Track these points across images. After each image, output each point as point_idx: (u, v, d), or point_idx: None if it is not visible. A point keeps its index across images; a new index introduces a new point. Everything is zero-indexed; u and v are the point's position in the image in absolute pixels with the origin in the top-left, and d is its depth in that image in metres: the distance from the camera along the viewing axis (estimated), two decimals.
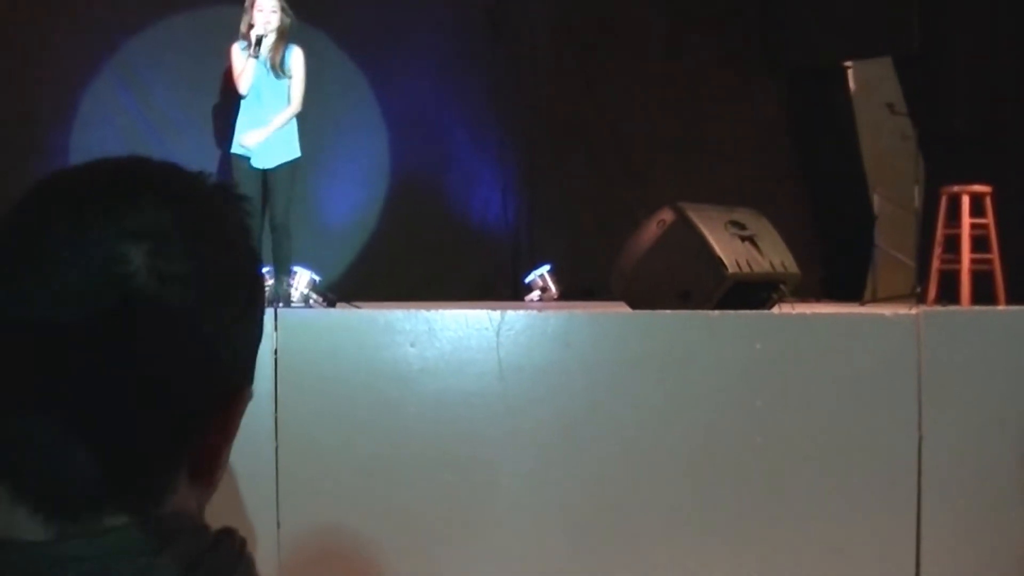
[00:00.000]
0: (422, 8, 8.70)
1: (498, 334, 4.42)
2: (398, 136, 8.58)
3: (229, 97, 7.25)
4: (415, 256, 8.46)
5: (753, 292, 5.24)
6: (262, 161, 6.78)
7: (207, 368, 0.94)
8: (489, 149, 8.74)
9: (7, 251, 0.92)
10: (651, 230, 5.16)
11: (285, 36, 6.80)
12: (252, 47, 6.64)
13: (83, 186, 0.97)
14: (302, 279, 6.81)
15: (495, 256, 8.63)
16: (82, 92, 8.35)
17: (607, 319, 4.68)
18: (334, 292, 7.29)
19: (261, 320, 1.04)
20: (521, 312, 4.50)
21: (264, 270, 6.32)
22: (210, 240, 0.97)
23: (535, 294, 8.37)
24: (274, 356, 4.18)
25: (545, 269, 8.41)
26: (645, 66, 8.91)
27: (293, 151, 6.86)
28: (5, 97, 8.21)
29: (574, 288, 8.35)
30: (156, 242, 0.91)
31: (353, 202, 8.40)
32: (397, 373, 4.28)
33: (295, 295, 6.55)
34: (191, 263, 0.92)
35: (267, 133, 6.75)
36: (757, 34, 9.32)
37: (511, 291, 8.51)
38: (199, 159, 8.13)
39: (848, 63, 9.36)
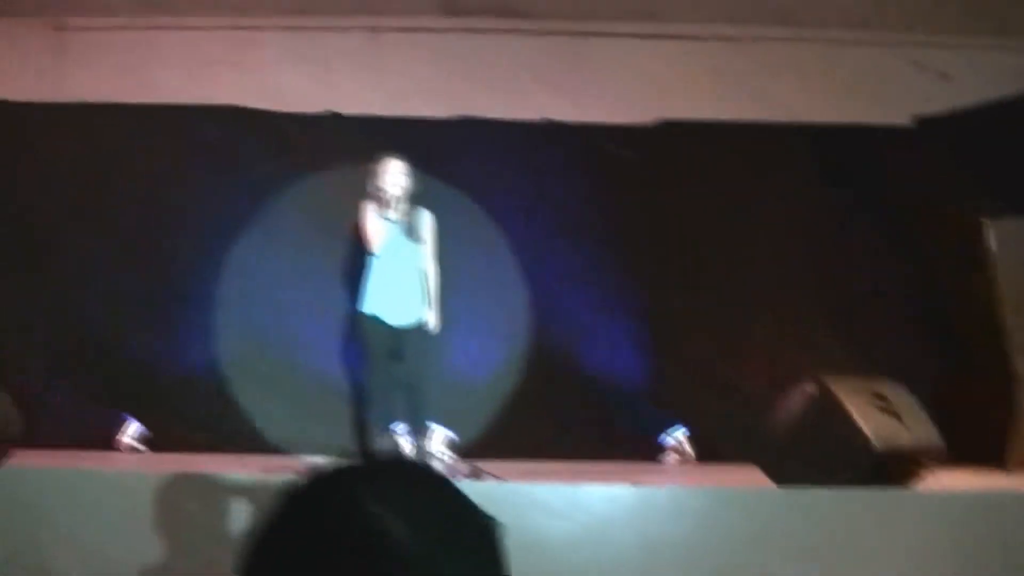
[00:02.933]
0: (557, 170, 8.91)
1: (640, 509, 4.40)
2: (534, 294, 8.70)
3: (358, 254, 7.35)
4: (549, 413, 8.51)
5: (898, 467, 5.15)
6: (396, 320, 6.84)
7: None
8: (624, 310, 8.76)
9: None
10: (794, 403, 5.13)
11: (415, 202, 6.97)
12: (385, 208, 6.81)
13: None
14: (438, 437, 6.86)
15: (629, 414, 8.57)
16: (223, 245, 8.69)
17: (750, 495, 4.64)
18: (470, 450, 7.35)
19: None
20: (664, 488, 4.48)
21: (398, 426, 6.43)
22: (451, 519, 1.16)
23: (671, 457, 8.31)
24: None
25: (681, 432, 8.35)
26: (777, 227, 8.90)
27: (423, 311, 6.91)
28: (153, 249, 8.58)
29: (708, 450, 8.27)
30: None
31: (490, 359, 8.47)
32: (540, 547, 4.27)
33: (433, 453, 6.53)
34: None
35: (436, 308, 6.89)
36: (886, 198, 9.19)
37: (646, 450, 8.43)
38: (329, 312, 8.42)
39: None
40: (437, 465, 6.30)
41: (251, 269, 8.70)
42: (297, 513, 1.12)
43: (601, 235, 8.84)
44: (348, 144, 8.63)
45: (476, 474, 5.47)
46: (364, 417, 7.04)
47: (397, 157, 6.96)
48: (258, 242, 8.73)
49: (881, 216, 8.88)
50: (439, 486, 1.21)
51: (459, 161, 8.49)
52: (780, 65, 9.29)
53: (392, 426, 6.73)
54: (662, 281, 8.83)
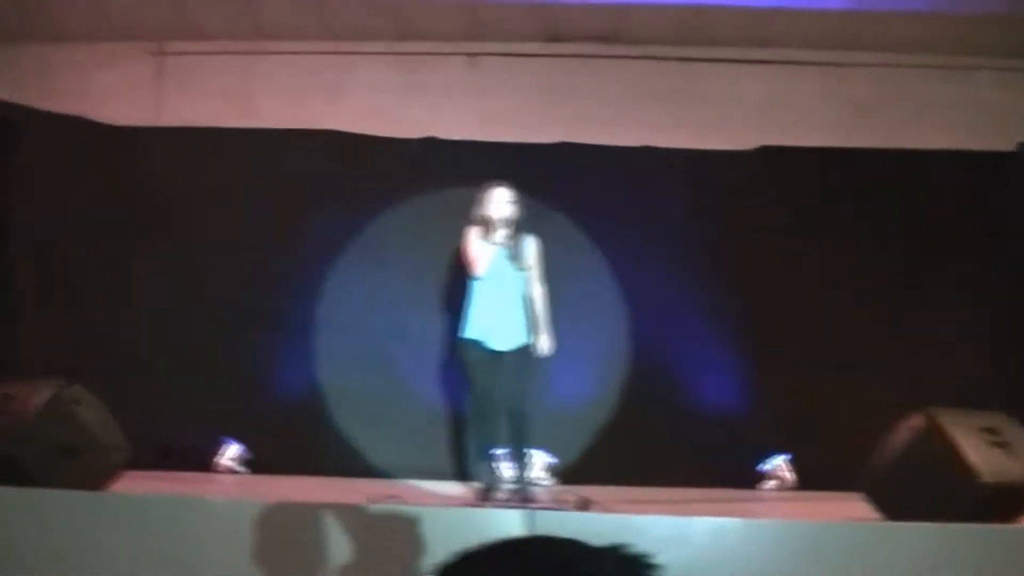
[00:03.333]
0: (656, 195, 8.92)
1: (748, 543, 4.40)
2: (634, 319, 8.71)
3: (461, 279, 7.25)
4: (648, 439, 8.50)
5: (1008, 501, 5.08)
6: (500, 344, 6.75)
7: None
8: (724, 334, 8.72)
9: None
10: (902, 435, 5.09)
11: (520, 228, 6.88)
12: (490, 233, 6.76)
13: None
14: (538, 463, 6.86)
15: (729, 439, 8.51)
16: (325, 270, 8.79)
17: (859, 530, 4.61)
18: (569, 475, 7.34)
19: None
20: (773, 521, 4.47)
21: (500, 452, 6.46)
22: None
23: (771, 483, 8.26)
24: None
25: (782, 459, 8.29)
26: (884, 253, 8.82)
27: (526, 335, 6.81)
28: (256, 273, 8.71)
29: (810, 477, 8.20)
30: None
31: (589, 385, 8.48)
32: None
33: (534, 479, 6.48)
34: None
35: (547, 333, 6.81)
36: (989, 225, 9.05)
37: (744, 476, 8.38)
38: (430, 336, 8.47)
39: None
40: (538, 491, 6.29)
41: (351, 293, 8.78)
42: None
43: (702, 260, 8.84)
44: (447, 169, 8.71)
45: (584, 505, 5.47)
46: (465, 443, 7.01)
47: (503, 184, 6.90)
48: (359, 267, 8.82)
49: (989, 242, 8.76)
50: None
51: (558, 186, 8.52)
52: (884, 91, 9.24)
53: (493, 451, 6.70)
54: (765, 307, 8.77)
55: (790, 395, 8.55)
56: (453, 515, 4.62)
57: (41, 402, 5.35)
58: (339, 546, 4.53)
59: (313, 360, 8.74)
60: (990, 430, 5.22)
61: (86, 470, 5.38)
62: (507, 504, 5.54)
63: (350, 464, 8.29)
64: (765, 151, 9.03)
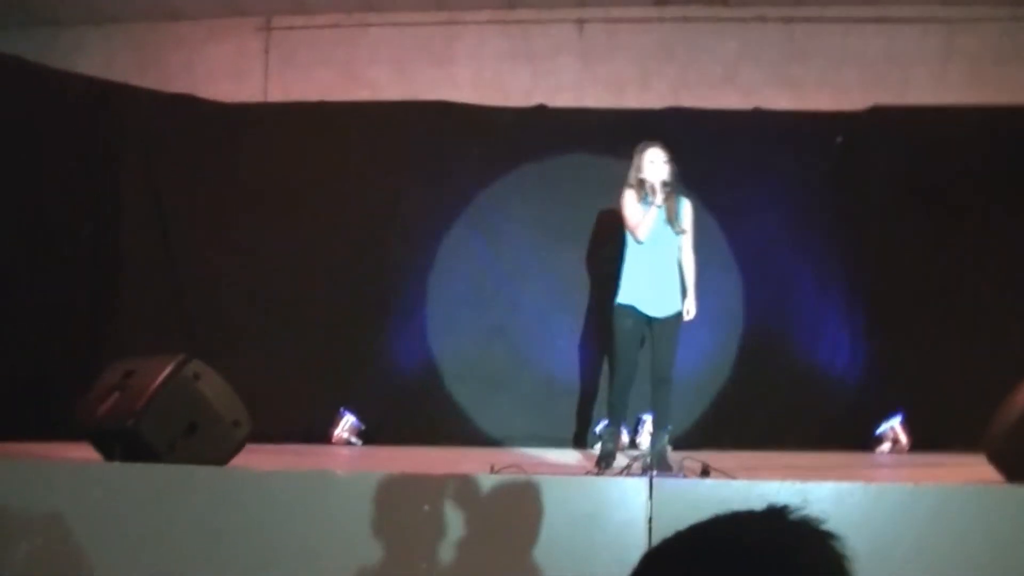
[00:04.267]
0: (768, 157, 8.86)
1: (871, 507, 4.37)
2: (748, 283, 8.72)
3: (612, 245, 7.06)
4: (763, 402, 8.52)
5: None
6: (655, 310, 6.52)
7: None
8: (837, 296, 8.68)
9: None
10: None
11: (676, 189, 6.62)
12: (654, 195, 6.42)
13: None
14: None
15: (844, 403, 8.48)
16: (437, 242, 8.82)
17: (982, 492, 4.54)
18: (686, 441, 7.31)
19: None
20: (896, 485, 4.44)
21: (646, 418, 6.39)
22: None
23: (886, 445, 8.20)
24: (648, 525, 4.24)
25: (897, 420, 8.22)
26: (989, 219, 8.68)
27: (679, 301, 6.58)
28: (367, 246, 8.78)
29: (925, 439, 8.12)
30: None
31: (707, 349, 8.44)
32: None
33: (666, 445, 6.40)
34: None
35: (693, 298, 6.60)
36: None
37: (860, 439, 8.32)
38: (549, 303, 8.47)
39: None
40: (664, 458, 6.24)
41: (465, 264, 8.88)
42: None
43: (815, 224, 8.79)
44: (557, 136, 8.74)
45: (705, 472, 5.47)
46: (613, 407, 6.76)
47: (656, 144, 6.62)
48: (471, 238, 8.91)
49: None
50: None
51: (671, 151, 8.50)
52: (999, 47, 9.04)
53: (640, 417, 6.45)
54: (879, 270, 8.72)
55: (906, 357, 8.49)
56: (574, 484, 4.65)
57: (162, 378, 5.41)
58: (461, 516, 4.57)
59: (428, 333, 8.85)
60: None
61: (209, 445, 5.43)
62: (629, 472, 5.55)
63: (466, 434, 8.41)
64: (876, 111, 8.92)
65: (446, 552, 4.51)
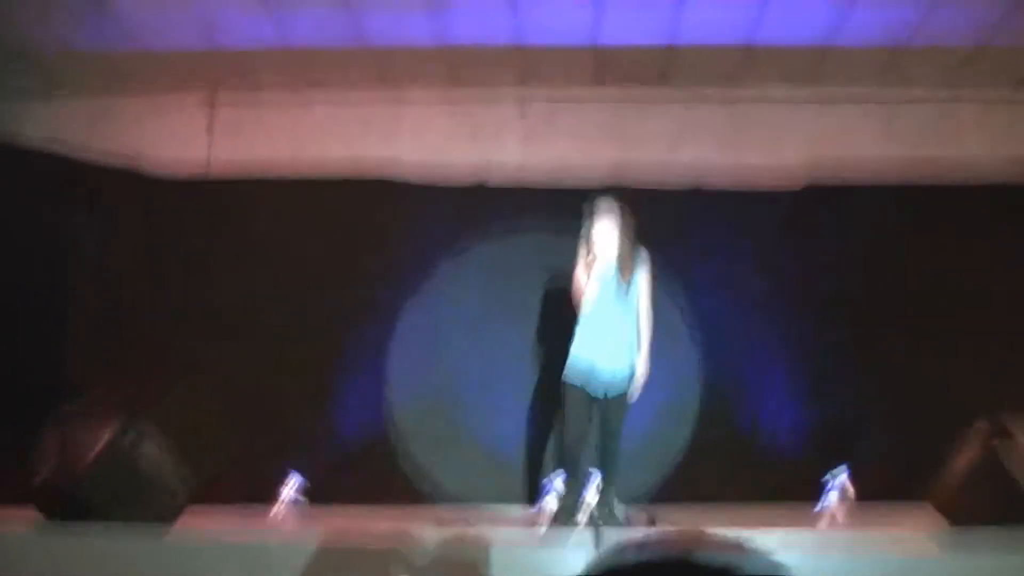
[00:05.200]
0: (708, 232, 9.04)
1: (816, 555, 4.41)
2: (699, 352, 8.81)
3: (563, 321, 6.97)
4: (714, 459, 8.58)
5: None
6: (602, 392, 6.45)
7: None
8: (783, 359, 8.83)
9: None
10: (968, 444, 5.08)
11: (632, 242, 6.55)
12: (596, 261, 6.37)
13: None
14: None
15: (792, 458, 8.57)
16: (384, 310, 8.97)
17: (926, 540, 4.60)
18: (627, 496, 7.32)
19: None
20: (837, 531, 4.49)
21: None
22: None
23: (833, 497, 8.24)
24: None
25: (843, 472, 8.28)
26: (929, 287, 8.83)
27: (628, 380, 6.52)
28: (313, 313, 8.80)
29: (871, 490, 8.17)
30: None
31: (657, 412, 8.48)
32: None
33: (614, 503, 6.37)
34: None
35: (645, 364, 6.52)
36: None
37: (808, 492, 8.37)
38: (495, 370, 8.50)
39: None
40: (612, 517, 6.22)
41: (414, 333, 8.93)
42: None
43: (756, 288, 8.93)
44: (502, 213, 8.85)
45: (652, 522, 5.47)
46: (565, 462, 6.64)
47: (606, 198, 6.63)
48: (417, 307, 8.97)
49: None
50: None
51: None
52: (935, 126, 9.26)
53: (589, 471, 6.41)
54: (823, 332, 8.87)
55: (851, 414, 8.61)
56: (523, 536, 4.63)
57: (101, 446, 5.35)
58: (409, 572, 4.54)
59: (378, 398, 8.86)
60: None
61: (150, 509, 5.39)
62: (577, 525, 5.54)
63: (414, 493, 8.40)
64: (814, 188, 9.11)
65: None
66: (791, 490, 8.31)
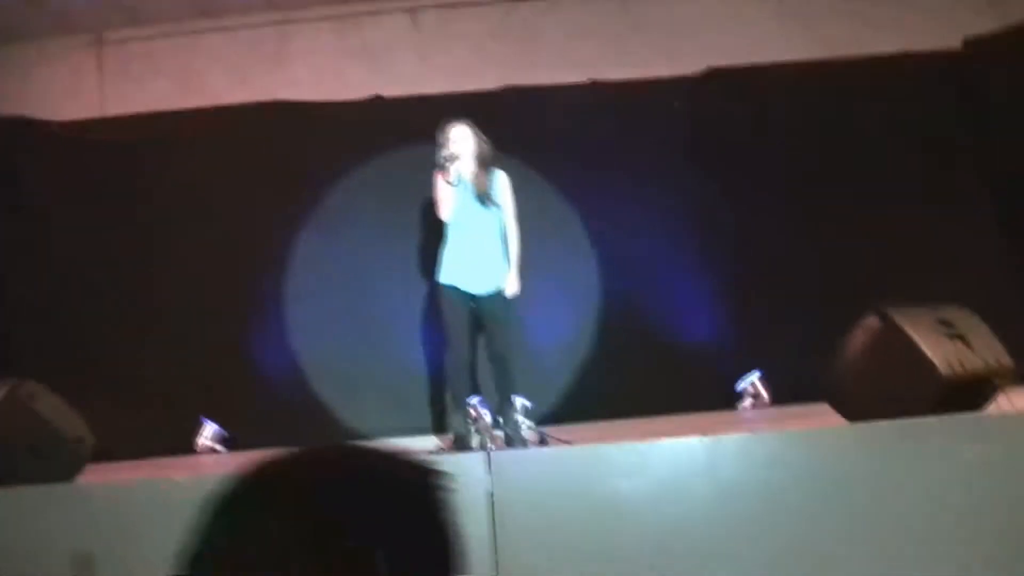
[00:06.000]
0: (607, 130, 8.89)
1: (711, 460, 4.41)
2: (601, 254, 8.71)
3: (434, 228, 7.19)
4: (626, 373, 8.51)
5: (968, 391, 5.09)
6: (474, 287, 6.61)
7: None
8: (692, 263, 8.72)
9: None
10: (859, 338, 5.10)
11: (486, 163, 6.74)
12: (448, 172, 6.62)
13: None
14: (517, 407, 6.80)
15: (705, 366, 8.55)
16: (288, 242, 8.77)
17: (819, 435, 4.61)
18: (543, 417, 7.33)
19: None
20: (734, 436, 4.48)
21: (474, 400, 6.44)
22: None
23: (747, 402, 8.31)
24: (490, 499, 4.23)
25: (755, 376, 8.34)
26: (840, 169, 8.81)
27: (502, 278, 6.66)
28: (217, 251, 8.63)
29: (786, 391, 8.22)
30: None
31: (563, 325, 8.49)
32: (613, 507, 4.26)
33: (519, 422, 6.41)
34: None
35: (516, 272, 6.65)
36: (964, 138, 9.01)
37: (724, 399, 8.42)
38: (405, 294, 8.41)
39: None
40: (523, 433, 6.25)
41: (319, 263, 8.76)
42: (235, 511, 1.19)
43: (664, 191, 8.81)
44: (396, 126, 8.68)
45: (543, 441, 5.49)
46: (443, 394, 6.83)
47: (458, 121, 6.78)
48: (322, 235, 8.80)
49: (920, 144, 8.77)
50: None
51: (509, 132, 8.46)
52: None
53: (474, 400, 6.57)
54: (731, 231, 8.76)
55: (761, 316, 8.58)
56: None
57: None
58: None
59: (289, 332, 8.71)
60: (945, 323, 5.22)
61: (52, 466, 5.34)
62: (470, 449, 5.55)
63: (330, 431, 8.29)
64: (713, 72, 9.03)
65: None
66: (709, 398, 8.36)
